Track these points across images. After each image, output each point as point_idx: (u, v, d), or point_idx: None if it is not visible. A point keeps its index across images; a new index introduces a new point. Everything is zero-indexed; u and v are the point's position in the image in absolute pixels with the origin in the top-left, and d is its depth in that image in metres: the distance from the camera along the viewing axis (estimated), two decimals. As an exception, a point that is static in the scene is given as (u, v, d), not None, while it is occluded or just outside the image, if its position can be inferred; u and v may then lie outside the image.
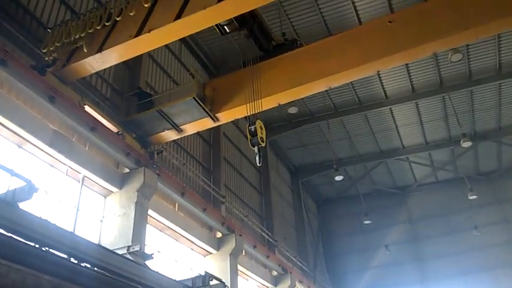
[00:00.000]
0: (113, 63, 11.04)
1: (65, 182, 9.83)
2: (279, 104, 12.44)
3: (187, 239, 13.67)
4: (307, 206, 27.38)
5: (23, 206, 6.99)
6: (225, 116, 12.47)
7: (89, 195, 10.53)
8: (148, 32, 9.72)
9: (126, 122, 12.36)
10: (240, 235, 15.71)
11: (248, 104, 10.65)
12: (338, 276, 28.11)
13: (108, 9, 10.06)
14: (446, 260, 26.16)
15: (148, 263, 10.01)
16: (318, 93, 17.74)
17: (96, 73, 11.48)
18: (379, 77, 20.07)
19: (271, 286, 18.57)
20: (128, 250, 9.63)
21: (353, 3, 16.52)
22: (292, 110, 21.03)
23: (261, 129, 9.85)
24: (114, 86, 12.80)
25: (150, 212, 11.57)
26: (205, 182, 15.79)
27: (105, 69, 11.73)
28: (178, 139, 14.16)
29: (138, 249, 9.73)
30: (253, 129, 9.69)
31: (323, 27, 17.26)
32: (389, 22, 10.83)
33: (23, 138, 8.93)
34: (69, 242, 7.69)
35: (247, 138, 9.55)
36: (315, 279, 24.08)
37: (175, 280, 10.82)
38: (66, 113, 9.70)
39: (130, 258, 9.45)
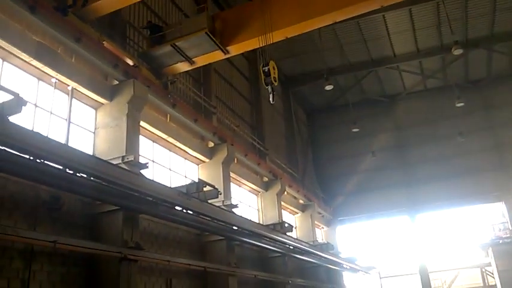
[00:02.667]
0: (131, 3, 11.40)
1: (54, 95, 9.79)
2: (286, 38, 12.71)
3: (180, 148, 14.02)
4: (297, 115, 27.77)
5: (13, 119, 7.04)
6: (236, 49, 12.98)
7: (79, 107, 10.55)
8: None
9: (140, 55, 12.87)
10: (232, 144, 16.13)
11: (259, 37, 11.13)
12: (326, 181, 29.50)
13: None
14: (431, 164, 27.34)
15: (143, 172, 10.39)
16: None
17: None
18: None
19: (262, 191, 19.53)
20: (122, 160, 9.91)
21: None
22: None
23: (274, 69, 10.21)
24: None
25: (142, 123, 11.71)
26: (196, 93, 15.79)
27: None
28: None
29: (133, 159, 9.99)
30: (267, 70, 10.06)
31: None
32: None
33: (7, 50, 8.69)
34: (63, 153, 7.87)
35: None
36: (304, 183, 25.24)
37: (170, 187, 11.36)
38: (48, 24, 9.33)
39: (126, 167, 9.77)
